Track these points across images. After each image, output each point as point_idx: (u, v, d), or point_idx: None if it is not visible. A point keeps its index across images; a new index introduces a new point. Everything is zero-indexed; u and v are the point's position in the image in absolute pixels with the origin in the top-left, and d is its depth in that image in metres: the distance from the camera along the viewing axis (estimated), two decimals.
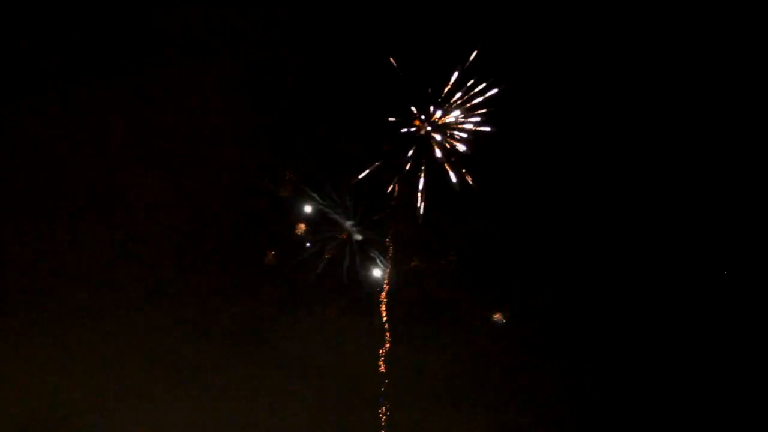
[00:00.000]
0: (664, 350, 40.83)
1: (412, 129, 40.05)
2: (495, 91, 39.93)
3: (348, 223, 40.54)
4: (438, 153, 40.02)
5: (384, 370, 40.34)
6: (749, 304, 40.80)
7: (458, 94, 40.06)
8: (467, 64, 39.78)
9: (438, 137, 40.02)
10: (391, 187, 40.29)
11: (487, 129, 39.90)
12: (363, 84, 40.17)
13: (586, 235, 41.20)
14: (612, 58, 41.03)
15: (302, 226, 40.11)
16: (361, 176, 40.24)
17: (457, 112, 40.04)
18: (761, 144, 40.66)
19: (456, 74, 39.81)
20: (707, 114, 40.92)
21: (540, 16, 40.83)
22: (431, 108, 40.04)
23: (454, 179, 40.00)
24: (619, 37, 40.97)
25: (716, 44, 40.83)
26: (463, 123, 40.08)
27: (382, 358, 40.43)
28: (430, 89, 39.98)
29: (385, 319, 40.70)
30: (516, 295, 40.94)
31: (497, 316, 40.37)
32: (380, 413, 40.05)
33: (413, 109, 40.08)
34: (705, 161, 40.97)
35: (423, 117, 40.01)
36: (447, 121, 40.14)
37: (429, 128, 39.95)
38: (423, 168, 40.21)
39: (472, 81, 39.86)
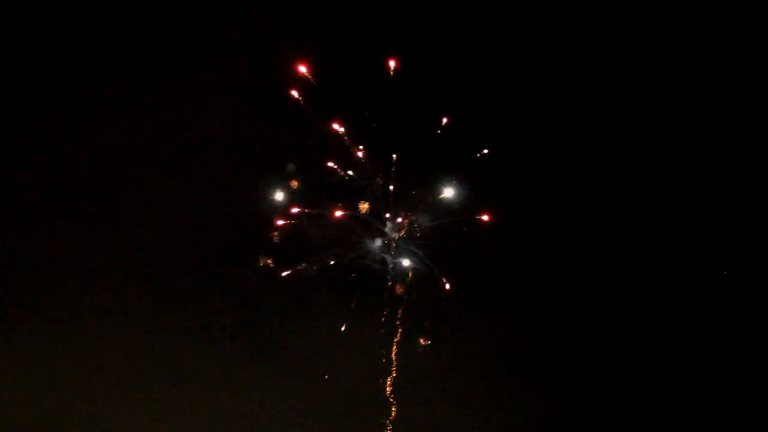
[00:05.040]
0: (666, 351, 40.98)
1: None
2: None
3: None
4: None
5: (388, 371, 40.17)
6: (749, 304, 41.04)
7: None
8: None
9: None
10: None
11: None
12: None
13: (587, 235, 41.47)
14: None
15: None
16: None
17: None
18: (761, 144, 41.15)
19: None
20: (705, 112, 41.46)
21: None
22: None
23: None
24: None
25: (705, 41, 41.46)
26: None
27: (385, 359, 40.28)
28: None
29: (389, 319, 40.64)
30: (519, 295, 41.03)
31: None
32: (384, 414, 39.87)
33: None
34: (704, 160, 41.42)
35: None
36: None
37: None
38: None
39: None
